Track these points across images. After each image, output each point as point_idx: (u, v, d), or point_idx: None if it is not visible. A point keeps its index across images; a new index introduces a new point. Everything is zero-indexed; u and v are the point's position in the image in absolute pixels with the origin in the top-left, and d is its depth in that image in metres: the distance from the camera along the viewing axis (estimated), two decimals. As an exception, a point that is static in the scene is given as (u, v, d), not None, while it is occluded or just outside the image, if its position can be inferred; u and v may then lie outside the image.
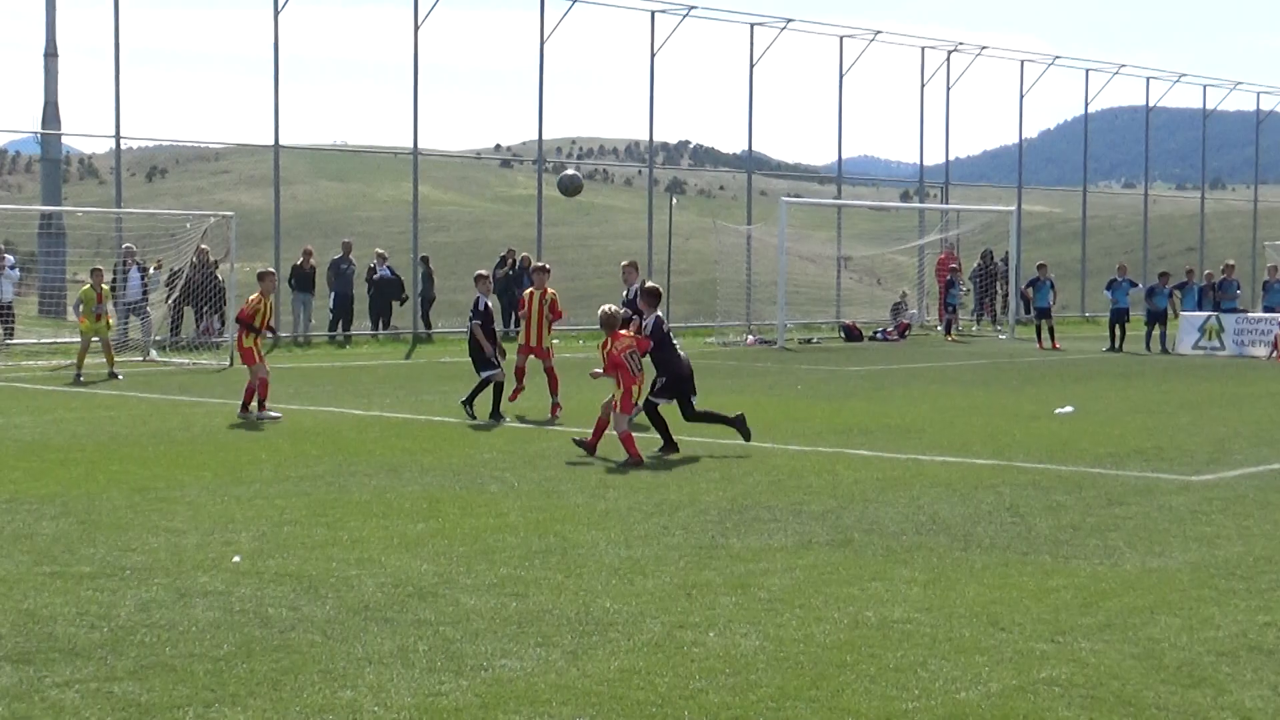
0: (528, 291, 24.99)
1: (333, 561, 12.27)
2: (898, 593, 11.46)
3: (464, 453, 19.20)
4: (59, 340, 36.13)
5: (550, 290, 24.73)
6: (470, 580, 11.66)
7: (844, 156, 56.52)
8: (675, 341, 20.84)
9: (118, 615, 10.40)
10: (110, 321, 31.54)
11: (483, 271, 25.27)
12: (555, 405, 24.05)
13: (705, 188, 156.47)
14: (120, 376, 30.05)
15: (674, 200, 50.37)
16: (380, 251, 44.18)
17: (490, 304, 24.65)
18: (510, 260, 45.31)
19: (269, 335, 24.82)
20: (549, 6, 46.33)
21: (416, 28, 44.00)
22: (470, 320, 24.15)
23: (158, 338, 36.11)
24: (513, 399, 23.99)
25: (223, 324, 37.01)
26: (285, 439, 20.36)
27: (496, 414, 23.25)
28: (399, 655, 9.53)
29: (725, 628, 10.31)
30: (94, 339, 30.80)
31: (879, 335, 48.53)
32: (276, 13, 41.32)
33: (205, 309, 38.01)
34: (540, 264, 26.50)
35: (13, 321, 36.21)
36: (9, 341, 35.48)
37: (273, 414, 22.89)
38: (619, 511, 14.96)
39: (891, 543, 13.49)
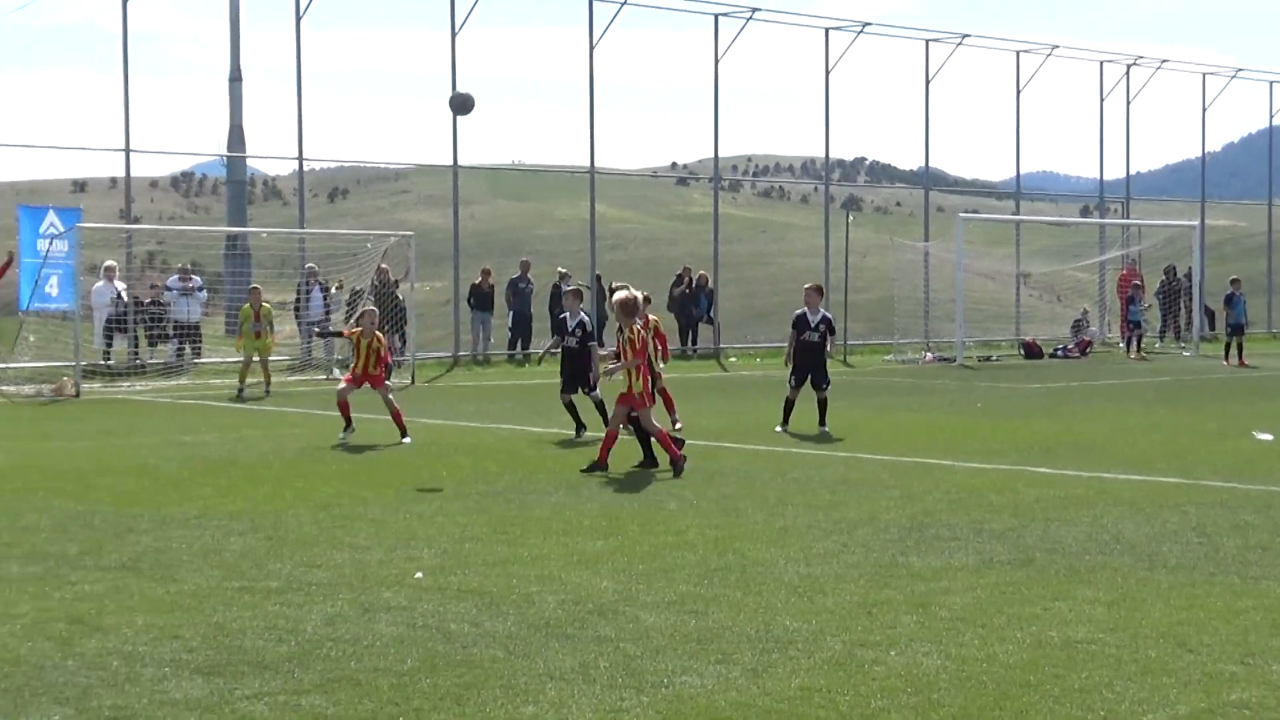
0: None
1: (513, 578, 12.36)
2: (1081, 613, 11.32)
3: (643, 470, 19.25)
4: (272, 361, 36.74)
5: (653, 318, 25.05)
6: (650, 597, 11.69)
7: (1022, 171, 56.05)
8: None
9: (304, 629, 10.56)
10: (270, 341, 32.08)
11: (579, 286, 25.17)
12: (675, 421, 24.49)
13: (882, 204, 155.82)
14: (269, 394, 30.65)
15: (850, 217, 50.19)
16: (563, 270, 44.44)
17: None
18: (686, 278, 45.38)
19: (393, 362, 24.91)
20: (723, 25, 46.44)
21: (592, 47, 44.26)
22: (587, 341, 23.81)
23: (340, 356, 36.59)
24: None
25: (403, 343, 37.44)
26: (466, 456, 20.55)
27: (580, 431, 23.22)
28: (580, 671, 9.58)
29: (906, 646, 10.25)
30: (254, 357, 31.39)
31: (1059, 352, 48.00)
32: (454, 34, 41.77)
33: (385, 328, 38.45)
34: (645, 294, 26.60)
35: (200, 341, 36.89)
36: (196, 361, 36.14)
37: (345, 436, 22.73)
38: (798, 529, 14.93)
39: (1074, 562, 13.33)
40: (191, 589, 11.86)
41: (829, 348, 24.47)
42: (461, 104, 25.05)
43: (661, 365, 25.06)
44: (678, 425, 24.15)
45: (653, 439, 19.37)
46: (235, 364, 35.38)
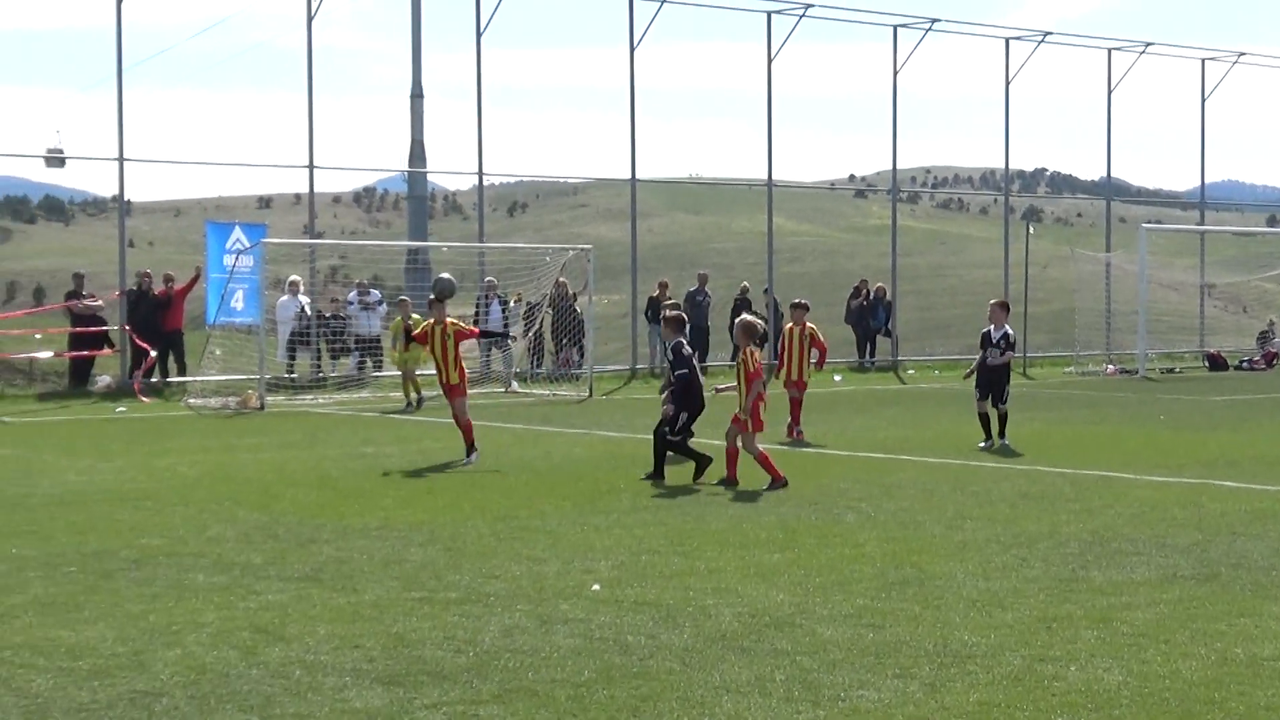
0: (787, 327, 25.85)
1: (690, 590, 12.38)
2: (1267, 629, 11.11)
3: (820, 483, 19.20)
4: (422, 373, 37.13)
5: (810, 325, 25.58)
6: (827, 611, 11.66)
7: (1207, 181, 55.14)
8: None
9: (482, 640, 10.65)
10: (421, 352, 32.36)
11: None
12: (796, 429, 24.96)
13: (1062, 215, 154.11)
14: (413, 407, 31.00)
15: (1030, 228, 49.68)
16: (746, 285, 44.44)
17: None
18: (864, 291, 45.19)
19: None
20: (902, 36, 46.21)
21: (770, 60, 44.24)
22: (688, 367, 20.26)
23: (518, 369, 36.87)
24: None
25: (582, 356, 37.65)
26: (643, 469, 20.58)
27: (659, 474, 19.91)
28: (756, 685, 9.57)
29: (1087, 662, 10.12)
30: (414, 368, 31.79)
31: (1245, 364, 47.18)
32: (633, 49, 41.96)
33: (564, 341, 38.70)
34: (800, 300, 26.59)
35: (380, 354, 37.35)
36: (376, 374, 36.59)
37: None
38: (977, 543, 14.80)
39: (1260, 578, 13.09)
40: (372, 599, 12.01)
41: (998, 361, 24.24)
42: (444, 289, 23.47)
43: (811, 371, 25.21)
44: (798, 434, 24.67)
45: (739, 458, 19.31)
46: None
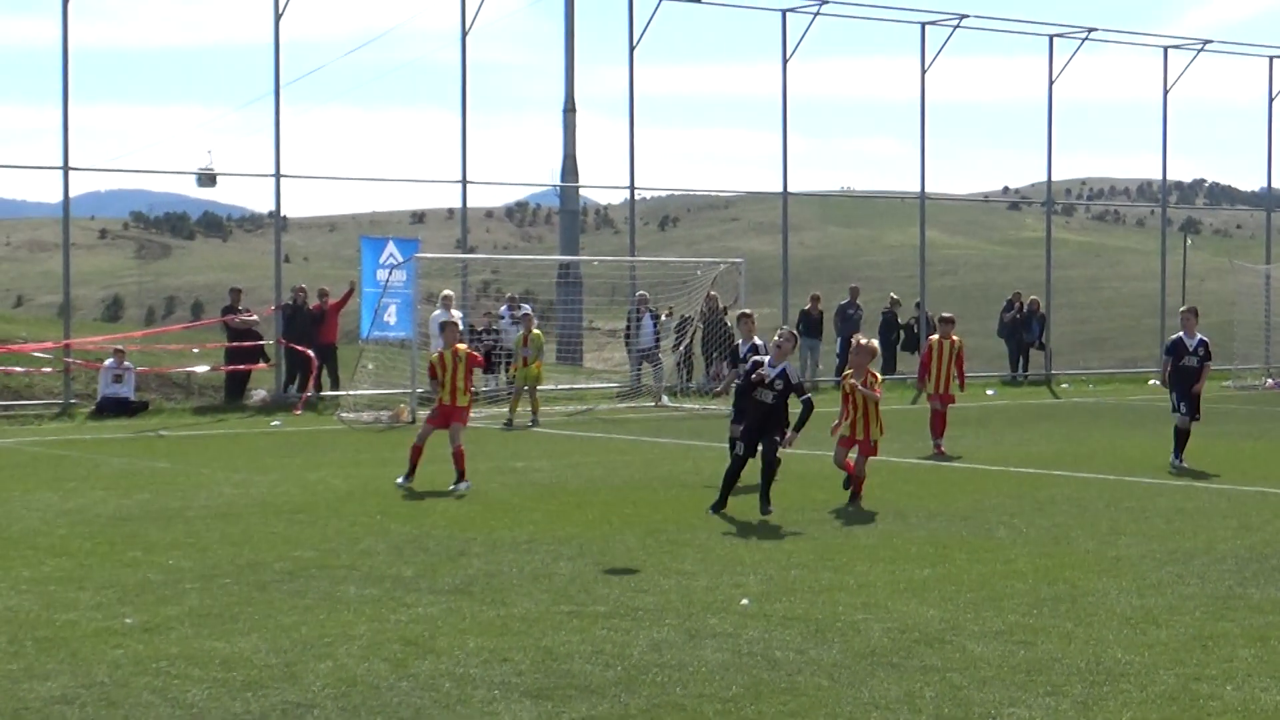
0: (934, 339, 25.69)
1: (839, 605, 12.32)
2: None
3: (971, 498, 19.05)
4: (575, 386, 37.30)
5: (957, 339, 25.29)
6: (978, 627, 11.55)
7: (1371, 191, 54.07)
8: None
9: (630, 654, 10.65)
10: (539, 368, 32.46)
11: (746, 310, 22.72)
12: (938, 446, 24.52)
13: (1221, 227, 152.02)
14: (536, 423, 31.05)
15: (1188, 240, 49.05)
16: (894, 296, 44.25)
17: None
18: (1018, 304, 44.79)
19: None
20: (1058, 46, 45.77)
21: (924, 71, 44.02)
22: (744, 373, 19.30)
23: (669, 384, 36.91)
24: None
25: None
26: (793, 483, 20.53)
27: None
28: (906, 701, 9.50)
29: (1244, 682, 9.95)
30: (524, 386, 31.79)
31: None
32: (785, 62, 41.91)
33: (715, 355, 38.66)
34: (946, 315, 26.35)
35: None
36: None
37: None
38: (1131, 559, 14.61)
39: None
40: (521, 613, 12.06)
41: (1202, 377, 23.26)
42: None
43: (957, 385, 24.93)
44: (940, 449, 24.41)
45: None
46: (566, 391, 35.96)
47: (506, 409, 32.35)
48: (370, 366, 33.51)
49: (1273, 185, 52.21)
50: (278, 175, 35.92)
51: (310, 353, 34.36)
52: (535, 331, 32.62)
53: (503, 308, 38.88)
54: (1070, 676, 10.09)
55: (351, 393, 32.87)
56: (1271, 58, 49.66)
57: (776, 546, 15.25)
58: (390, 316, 34.97)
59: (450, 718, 9.16)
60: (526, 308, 38.05)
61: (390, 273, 34.95)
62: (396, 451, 25.13)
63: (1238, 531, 16.29)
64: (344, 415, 31.61)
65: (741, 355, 21.09)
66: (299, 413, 32.38)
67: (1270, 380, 43.80)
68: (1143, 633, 11.38)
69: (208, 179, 38.64)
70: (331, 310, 36.10)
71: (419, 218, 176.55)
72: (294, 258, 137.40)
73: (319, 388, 34.94)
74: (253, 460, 23.85)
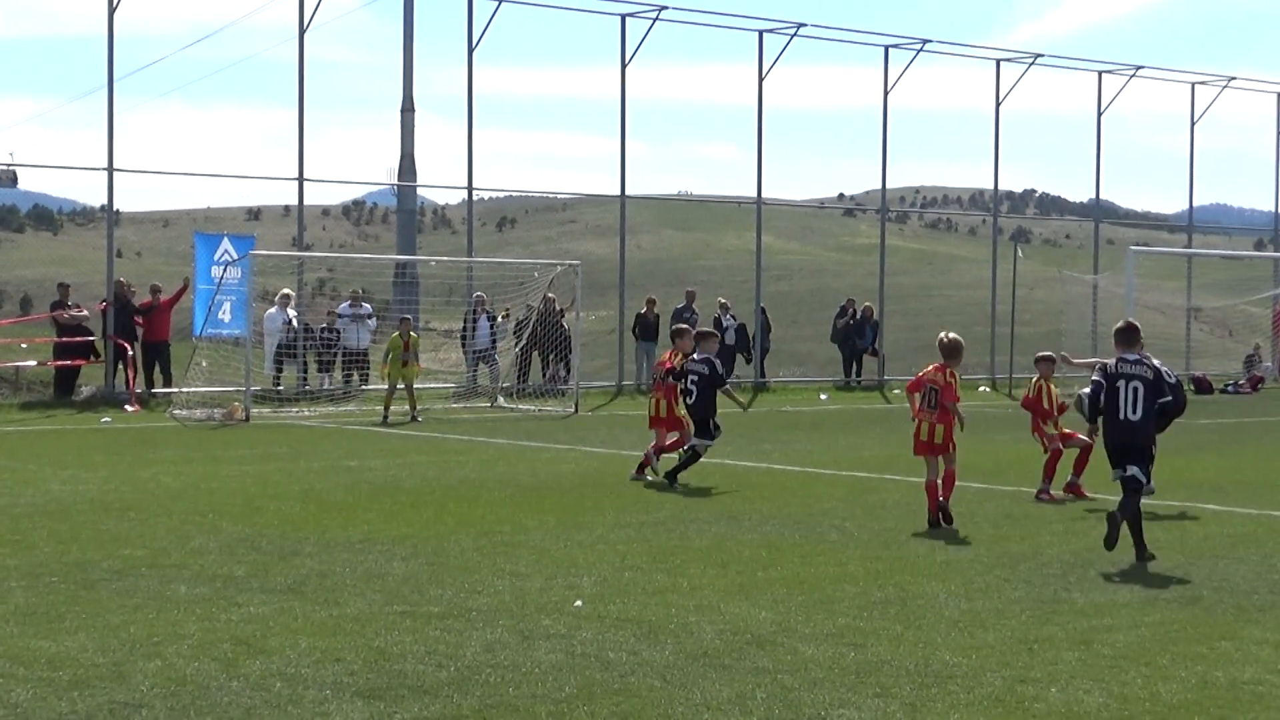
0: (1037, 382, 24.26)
1: (672, 607, 12.37)
2: (1249, 653, 11.13)
3: (803, 502, 19.21)
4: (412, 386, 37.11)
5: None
6: (809, 629, 11.66)
7: (1195, 204, 55.29)
8: None
9: (464, 655, 10.64)
10: (417, 368, 32.57)
11: (708, 329, 24.68)
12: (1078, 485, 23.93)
13: (1051, 236, 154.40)
14: (417, 419, 31.06)
15: (1018, 249, 49.72)
16: (723, 301, 44.46)
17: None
18: (851, 310, 45.22)
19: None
20: (894, 57, 46.28)
21: (761, 79, 44.31)
22: (718, 383, 21.62)
23: (505, 384, 36.86)
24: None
25: (568, 371, 37.62)
26: (627, 486, 20.60)
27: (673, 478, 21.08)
28: (737, 702, 9.57)
29: (1068, 684, 10.13)
30: (399, 384, 31.92)
31: (1230, 388, 47.25)
32: (624, 66, 42.00)
33: (551, 356, 38.70)
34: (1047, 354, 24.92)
35: (368, 368, 37.33)
36: (364, 387, 36.57)
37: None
38: (960, 563, 14.82)
39: (1243, 601, 13.11)
40: (354, 613, 12.00)
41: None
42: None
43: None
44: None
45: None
46: (400, 391, 35.82)
47: (348, 406, 32.21)
48: (204, 364, 33.13)
49: (1101, 196, 53.17)
50: (110, 169, 35.43)
51: (126, 344, 33.92)
52: (413, 335, 32.59)
53: (343, 305, 38.60)
54: (899, 678, 10.21)
55: (184, 390, 32.49)
56: (1101, 72, 50.57)
57: (610, 549, 15.28)
58: (225, 314, 34.64)
59: (281, 718, 9.09)
60: (367, 306, 37.86)
61: (225, 270, 34.60)
62: (229, 450, 24.92)
63: (1063, 537, 16.57)
64: (176, 412, 31.24)
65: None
66: (130, 409, 31.95)
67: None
68: (970, 636, 11.55)
69: (8, 179, 37.81)
70: (164, 306, 35.67)
71: (255, 215, 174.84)
72: (127, 253, 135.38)
73: (150, 384, 34.51)
74: (82, 457, 23.50)
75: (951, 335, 18.40)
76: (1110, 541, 14.83)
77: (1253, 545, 16.18)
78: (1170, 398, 16.23)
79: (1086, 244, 57.97)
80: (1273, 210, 56.61)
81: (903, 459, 24.07)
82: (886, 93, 46.34)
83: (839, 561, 14.78)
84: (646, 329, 41.89)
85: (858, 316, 45.08)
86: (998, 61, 48.72)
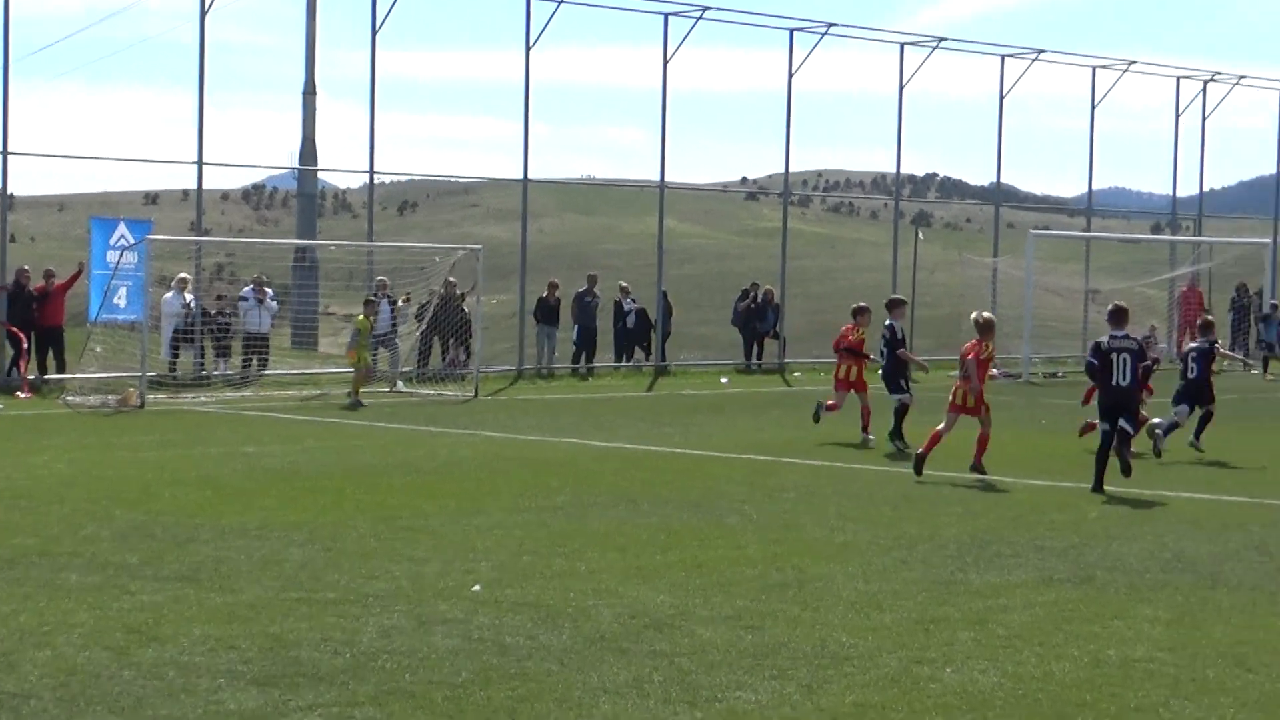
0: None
1: (570, 592, 12.35)
2: (1140, 631, 11.24)
3: (703, 485, 19.23)
4: (310, 371, 36.92)
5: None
6: (707, 612, 11.67)
7: (1094, 188, 55.74)
8: None
9: (360, 641, 10.58)
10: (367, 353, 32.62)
11: (899, 296, 27.09)
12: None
13: (952, 220, 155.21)
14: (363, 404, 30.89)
15: (920, 233, 50.00)
16: (624, 285, 44.43)
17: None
18: (753, 293, 45.30)
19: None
20: (798, 40, 46.35)
21: (665, 62, 44.26)
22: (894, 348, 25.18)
23: (405, 369, 36.69)
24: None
25: (468, 356, 37.48)
26: (527, 470, 20.55)
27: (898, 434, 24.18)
28: (634, 686, 9.56)
29: (963, 664, 10.19)
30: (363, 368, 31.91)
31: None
32: (528, 49, 41.86)
33: (451, 341, 38.53)
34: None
35: (267, 353, 37.04)
36: (263, 372, 36.30)
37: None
38: (858, 545, 14.87)
39: (1135, 580, 13.24)
40: (249, 600, 11.91)
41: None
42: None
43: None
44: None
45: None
46: (300, 375, 35.64)
47: (246, 391, 32.06)
48: (98, 349, 32.76)
49: (1002, 180, 53.49)
50: (4, 152, 34.96)
51: (19, 332, 33.53)
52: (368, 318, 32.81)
53: (246, 289, 38.24)
54: (796, 660, 10.24)
55: (78, 376, 32.12)
56: (1003, 56, 50.81)
57: (509, 533, 15.24)
58: (120, 299, 34.24)
59: (174, 707, 9.00)
60: (270, 290, 37.56)
61: (121, 254, 34.22)
62: (124, 436, 24.66)
63: (961, 518, 16.67)
64: (70, 399, 30.89)
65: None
66: (23, 396, 31.58)
67: (996, 371, 44.80)
68: (867, 617, 11.59)
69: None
70: (57, 291, 35.20)
71: (152, 199, 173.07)
72: (20, 237, 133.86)
73: (43, 370, 34.11)
74: (-26, 444, 23.19)
75: (985, 314, 21.36)
76: (1126, 470, 19.18)
77: (1145, 525, 16.35)
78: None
79: (987, 227, 58.30)
80: (1170, 194, 57.14)
81: (803, 442, 24.21)
82: (791, 76, 46.41)
83: (737, 544, 14.80)
84: (547, 313, 41.78)
85: (759, 300, 45.13)
86: (901, 45, 48.85)
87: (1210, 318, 25.85)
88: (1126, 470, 19.14)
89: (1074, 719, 9.02)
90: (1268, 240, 53.10)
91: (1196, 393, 24.06)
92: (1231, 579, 13.39)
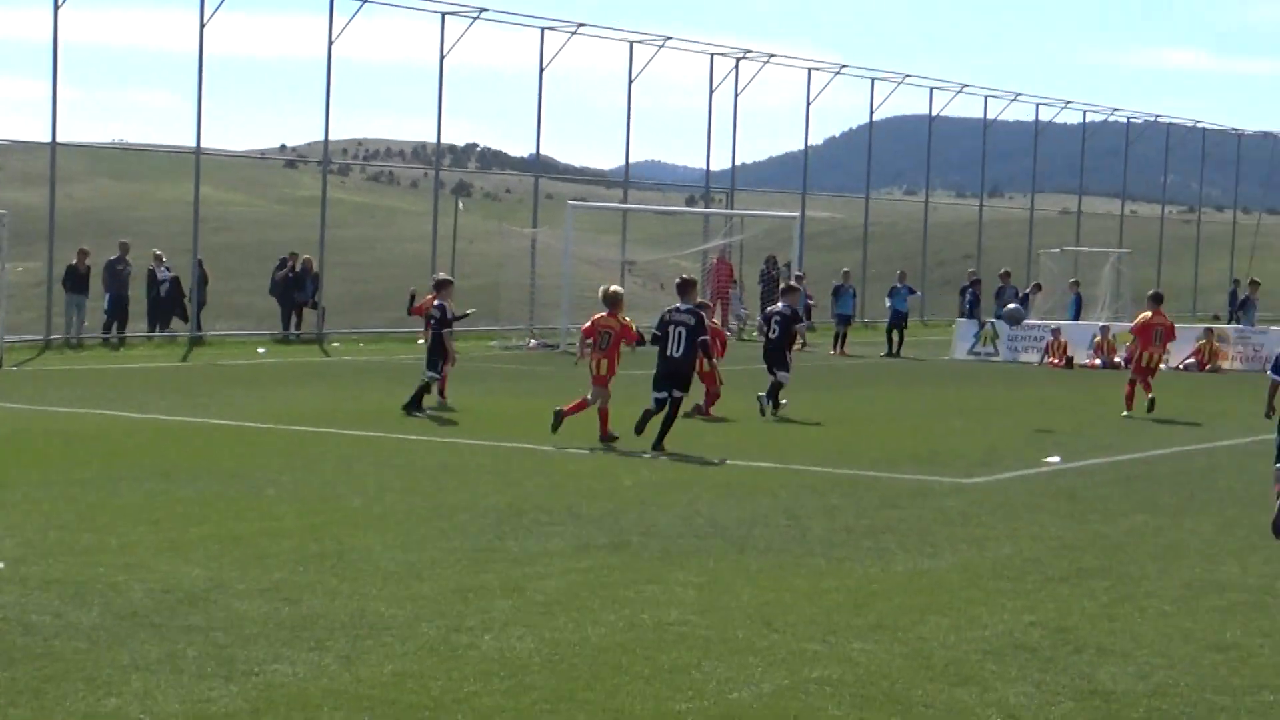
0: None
1: (100, 567, 12.01)
2: (673, 595, 11.51)
3: (238, 457, 18.93)
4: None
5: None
6: (243, 585, 11.50)
7: (631, 161, 56.76)
8: None
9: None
10: None
11: (447, 277, 27.28)
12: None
13: (492, 191, 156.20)
14: None
15: (460, 203, 50.16)
16: (158, 253, 43.44)
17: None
18: (292, 262, 44.81)
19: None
20: (338, 6, 45.92)
21: (202, 25, 43.34)
22: (443, 327, 25.18)
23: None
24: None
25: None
26: (56, 442, 19.93)
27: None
28: (167, 661, 9.37)
29: (501, 631, 10.28)
30: None
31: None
32: (56, 8, 40.51)
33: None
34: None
35: None
36: None
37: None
38: (397, 515, 14.86)
39: (669, 545, 13.55)
40: None
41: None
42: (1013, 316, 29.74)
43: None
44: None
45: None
46: None
47: None
48: None
49: (542, 152, 54.08)
50: None
51: None
52: None
53: None
54: (334, 631, 10.17)
55: None
56: (543, 28, 51.29)
57: (35, 508, 14.73)
58: None
59: None
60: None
61: None
62: None
63: (499, 487, 16.80)
64: None
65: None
66: None
67: (533, 341, 45.32)
68: (406, 586, 11.59)
69: None
70: None
71: None
72: None
73: None
74: None
75: (614, 287, 22.97)
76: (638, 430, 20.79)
77: (679, 491, 16.74)
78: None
79: (527, 198, 58.87)
80: (704, 168, 58.60)
81: (342, 411, 24.06)
82: (331, 43, 45.98)
83: (274, 516, 14.63)
84: (77, 281, 40.53)
85: (298, 269, 44.67)
86: (442, 15, 48.82)
87: (794, 284, 28.07)
88: (639, 430, 20.79)
89: (609, 681, 9.18)
90: (795, 214, 54.88)
91: (776, 355, 25.32)
92: (760, 543, 13.82)
